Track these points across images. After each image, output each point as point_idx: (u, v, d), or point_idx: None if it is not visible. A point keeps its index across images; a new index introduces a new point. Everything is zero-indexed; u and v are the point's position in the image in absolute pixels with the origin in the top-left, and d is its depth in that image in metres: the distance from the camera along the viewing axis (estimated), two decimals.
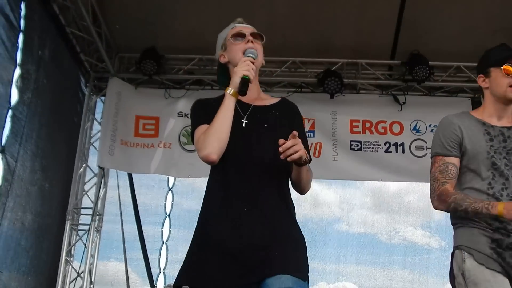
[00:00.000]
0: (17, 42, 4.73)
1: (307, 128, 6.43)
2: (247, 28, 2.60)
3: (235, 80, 2.35)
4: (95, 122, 6.80)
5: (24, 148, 4.99)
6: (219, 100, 2.44)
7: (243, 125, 2.43)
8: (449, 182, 2.70)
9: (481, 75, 2.88)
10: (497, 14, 5.73)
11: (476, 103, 6.53)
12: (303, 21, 5.95)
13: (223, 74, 2.64)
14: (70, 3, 5.68)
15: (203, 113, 2.46)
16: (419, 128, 6.64)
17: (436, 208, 2.72)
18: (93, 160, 6.63)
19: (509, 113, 2.84)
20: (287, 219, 2.35)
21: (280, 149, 2.15)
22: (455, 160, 2.74)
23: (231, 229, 2.24)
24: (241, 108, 2.44)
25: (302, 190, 2.46)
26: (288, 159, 2.16)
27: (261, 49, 2.55)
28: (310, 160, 2.37)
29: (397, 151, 6.58)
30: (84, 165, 6.59)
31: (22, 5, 4.85)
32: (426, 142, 6.55)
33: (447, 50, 6.32)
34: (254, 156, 2.35)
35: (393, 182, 7.29)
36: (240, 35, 2.56)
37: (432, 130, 6.57)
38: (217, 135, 2.29)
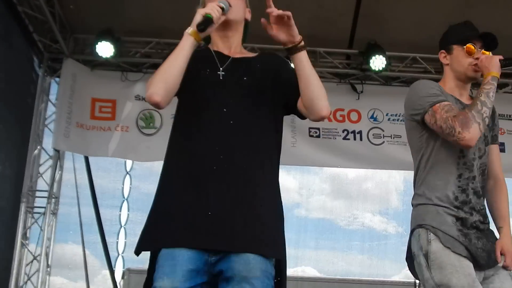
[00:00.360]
0: None
1: None
2: None
3: (196, 18, 2.13)
4: (49, 103, 6.66)
5: None
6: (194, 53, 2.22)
7: (220, 78, 2.24)
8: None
9: (442, 51, 2.87)
10: (453, 7, 5.79)
11: None
12: (260, 8, 5.87)
13: None
14: None
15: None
16: (376, 116, 6.72)
17: (471, 139, 2.49)
18: (48, 142, 6.53)
19: (468, 91, 2.86)
20: (262, 184, 2.12)
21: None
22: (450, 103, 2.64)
23: (194, 191, 2.04)
24: (219, 59, 2.27)
25: (317, 108, 2.17)
26: (274, 14, 2.09)
27: (242, 4, 2.39)
28: (304, 47, 2.19)
29: (355, 139, 6.66)
30: (38, 147, 6.48)
31: None
32: (383, 131, 6.66)
33: (404, 41, 6.39)
34: (230, 111, 2.15)
35: (351, 169, 7.40)
36: None
37: (389, 119, 6.69)
38: (164, 74, 2.10)
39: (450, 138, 2.54)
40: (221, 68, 2.26)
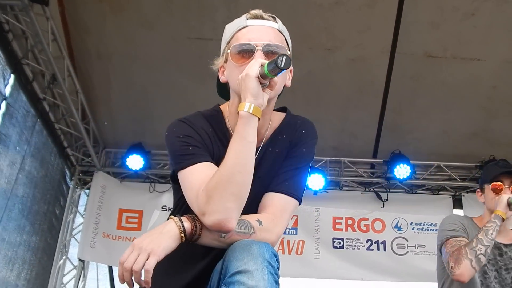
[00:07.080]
0: None
1: (290, 225, 6.41)
2: (262, 35, 1.67)
3: (251, 87, 1.52)
4: (77, 214, 6.78)
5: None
6: (217, 122, 1.75)
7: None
8: None
9: (478, 190, 3.01)
10: (473, 118, 5.96)
11: (457, 201, 6.67)
12: None
13: (223, 86, 1.85)
14: (61, 102, 5.78)
15: (199, 142, 1.69)
16: (400, 226, 6.66)
17: (461, 274, 2.54)
18: (73, 252, 6.55)
19: (507, 229, 2.86)
20: None
21: None
22: (466, 239, 2.72)
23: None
24: None
25: None
26: None
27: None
28: None
29: (378, 249, 6.57)
30: (64, 257, 6.51)
31: (3, 104, 4.78)
32: (407, 240, 6.57)
33: (428, 150, 6.51)
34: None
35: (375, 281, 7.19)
36: (247, 52, 1.67)
37: (413, 228, 6.61)
38: (235, 187, 1.49)
39: (448, 272, 2.64)
40: None
